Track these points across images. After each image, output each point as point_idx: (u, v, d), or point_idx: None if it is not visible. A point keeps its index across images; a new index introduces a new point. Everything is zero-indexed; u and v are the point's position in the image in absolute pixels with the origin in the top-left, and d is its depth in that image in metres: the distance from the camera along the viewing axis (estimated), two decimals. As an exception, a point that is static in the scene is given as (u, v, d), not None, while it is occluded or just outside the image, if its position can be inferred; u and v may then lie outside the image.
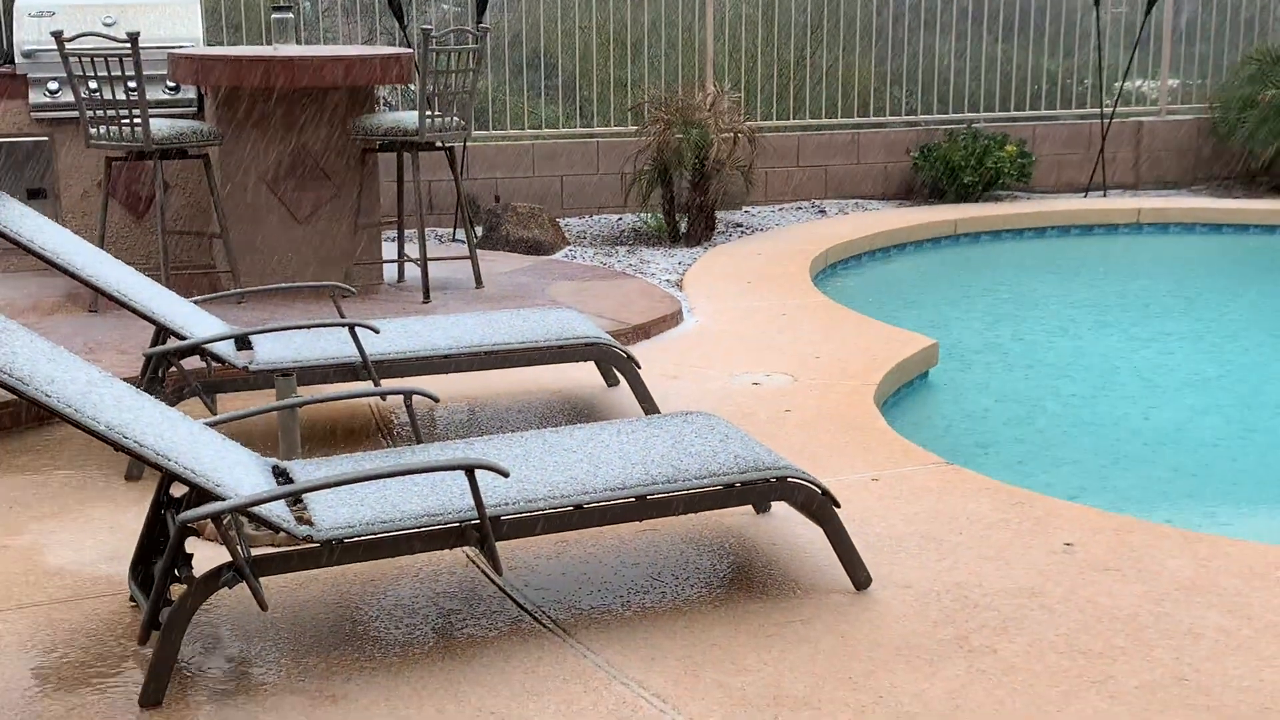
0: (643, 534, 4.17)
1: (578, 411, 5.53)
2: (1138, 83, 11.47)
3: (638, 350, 6.20)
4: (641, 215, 9.75)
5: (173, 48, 7.29)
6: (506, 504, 3.48)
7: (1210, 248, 9.58)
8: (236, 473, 3.49)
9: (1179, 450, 5.79)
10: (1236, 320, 8.14)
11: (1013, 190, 10.58)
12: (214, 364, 4.83)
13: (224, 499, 3.24)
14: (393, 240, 7.81)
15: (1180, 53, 11.65)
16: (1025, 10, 11.76)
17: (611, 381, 5.65)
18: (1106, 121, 10.84)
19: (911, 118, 11.13)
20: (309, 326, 4.78)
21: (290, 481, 3.64)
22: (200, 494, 3.30)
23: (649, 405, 5.15)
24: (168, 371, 4.81)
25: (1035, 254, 9.39)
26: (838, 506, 3.77)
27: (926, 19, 11.37)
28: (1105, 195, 10.66)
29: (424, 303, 6.99)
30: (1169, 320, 8.01)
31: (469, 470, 3.31)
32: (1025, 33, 11.63)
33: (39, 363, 3.38)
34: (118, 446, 3.22)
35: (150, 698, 3.20)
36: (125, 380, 5.22)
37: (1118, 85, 11.04)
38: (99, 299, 6.53)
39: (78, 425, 3.20)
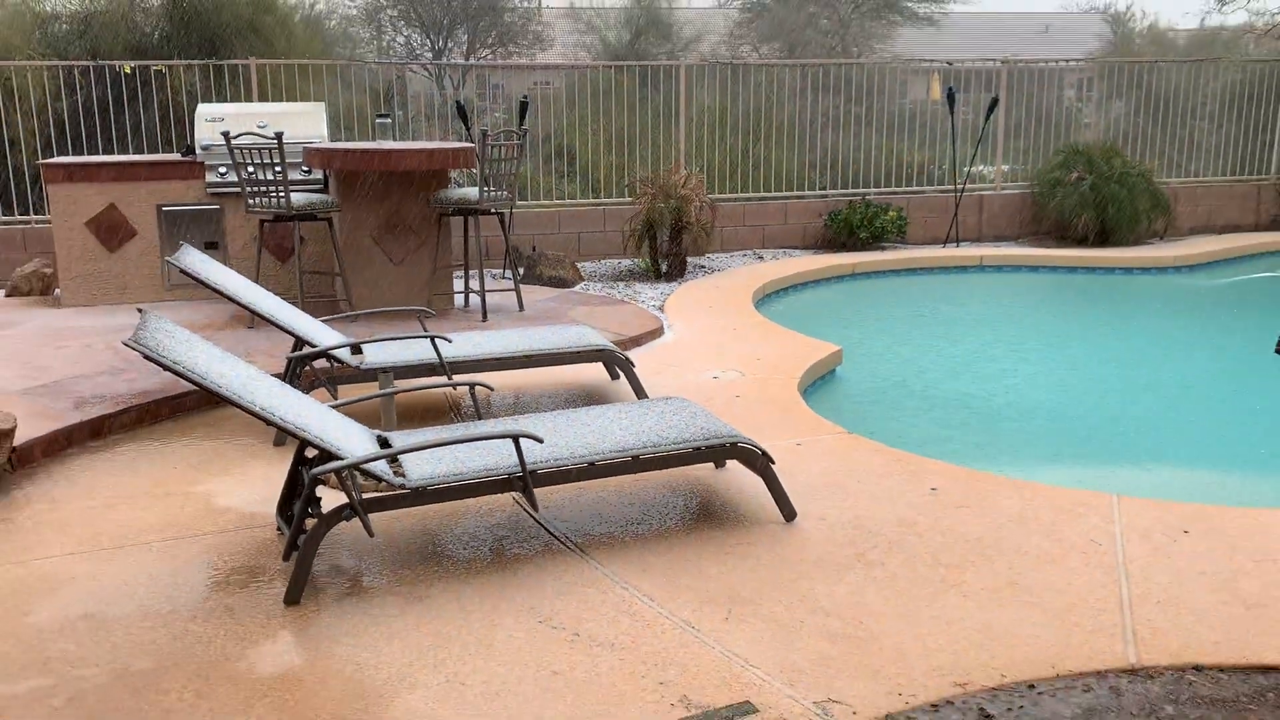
0: (637, 482, 4.16)
1: (591, 397, 5.52)
2: (980, 167, 11.48)
3: (632, 354, 6.21)
4: (635, 259, 9.73)
5: (307, 143, 7.27)
6: (541, 462, 3.47)
7: (1033, 281, 9.59)
8: (351, 440, 3.48)
9: (1012, 421, 5.80)
10: (1052, 328, 8.16)
11: (894, 242, 10.58)
12: (335, 364, 4.82)
13: (342, 459, 3.23)
14: (460, 277, 7.79)
15: (1010, 146, 11.65)
16: (902, 115, 11.76)
17: (614, 376, 5.64)
18: (959, 194, 10.85)
19: (823, 192, 11.12)
20: (402, 338, 4.75)
21: (389, 446, 3.63)
22: (325, 455, 3.29)
23: (641, 393, 5.14)
24: (303, 370, 4.80)
25: (911, 287, 9.39)
26: (772, 463, 3.76)
27: (834, 122, 11.37)
28: (959, 245, 10.65)
29: (483, 321, 6.97)
30: (1005, 329, 8.01)
31: (515, 439, 3.30)
32: (902, 132, 11.63)
33: (213, 364, 3.37)
34: (269, 422, 3.21)
35: (291, 598, 3.19)
36: (274, 375, 5.24)
37: (966, 169, 11.06)
38: (254, 319, 6.53)
39: (241, 407, 3.19)
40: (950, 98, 10.78)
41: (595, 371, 5.89)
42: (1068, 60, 12.75)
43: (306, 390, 4.87)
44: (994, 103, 10.92)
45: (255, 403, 3.23)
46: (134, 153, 9.53)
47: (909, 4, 26.57)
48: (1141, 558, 3.44)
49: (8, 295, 7.88)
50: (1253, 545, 3.52)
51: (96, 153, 9.56)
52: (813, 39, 23.79)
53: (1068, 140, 11.76)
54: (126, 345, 3.10)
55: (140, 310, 3.43)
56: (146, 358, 3.11)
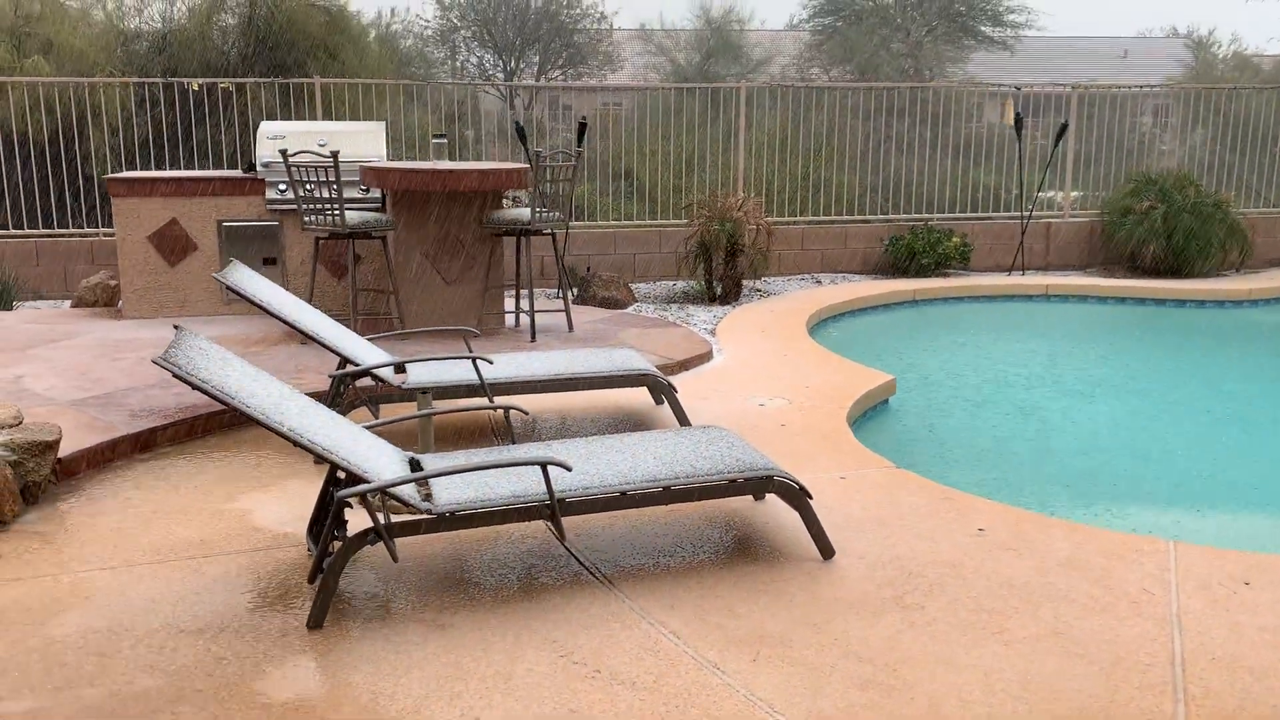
0: (672, 513, 4.07)
1: (633, 421, 5.44)
2: (1049, 193, 11.22)
3: (679, 379, 6.12)
4: (689, 282, 9.65)
5: (365, 162, 7.32)
6: (571, 490, 3.40)
7: (1099, 313, 9.31)
8: (381, 462, 3.44)
9: (1069, 459, 5.59)
10: (1116, 362, 7.89)
11: (956, 269, 10.36)
12: (378, 383, 4.81)
13: (369, 482, 3.19)
14: (512, 297, 7.77)
15: (1080, 172, 11.37)
16: (969, 139, 11.54)
17: (658, 400, 5.56)
18: (1026, 221, 10.60)
19: (884, 216, 10.95)
20: (445, 358, 4.72)
21: (420, 470, 3.58)
22: (353, 478, 3.25)
23: (683, 419, 5.05)
24: (346, 388, 4.79)
25: (972, 315, 9.17)
26: (810, 498, 3.64)
27: (897, 145, 11.20)
28: (1024, 274, 10.39)
29: (530, 341, 6.93)
30: (1067, 362, 7.77)
31: (543, 466, 3.23)
32: (969, 156, 11.42)
33: (245, 382, 3.35)
34: (296, 443, 3.17)
35: (314, 621, 3.15)
36: (320, 391, 5.25)
37: (1034, 195, 10.81)
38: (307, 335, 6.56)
39: (268, 427, 3.17)
40: (1018, 123, 10.55)
41: (640, 395, 5.82)
42: (1140, 86, 12.41)
43: (349, 409, 4.87)
44: (1063, 128, 10.66)
45: (284, 423, 3.20)
46: (207, 168, 9.72)
47: (983, 28, 26.23)
48: (1197, 610, 3.25)
49: (74, 306, 8.04)
50: (1319, 601, 3.32)
51: (171, 167, 9.76)
52: (885, 61, 23.57)
53: (1141, 167, 11.45)
54: (155, 363, 3.09)
55: (176, 327, 3.43)
56: (175, 376, 3.10)
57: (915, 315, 9.12)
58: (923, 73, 23.43)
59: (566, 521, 3.40)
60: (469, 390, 4.83)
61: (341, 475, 3.52)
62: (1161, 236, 9.93)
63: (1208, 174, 11.32)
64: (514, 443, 4.16)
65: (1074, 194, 11.20)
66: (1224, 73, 22.71)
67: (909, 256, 10.13)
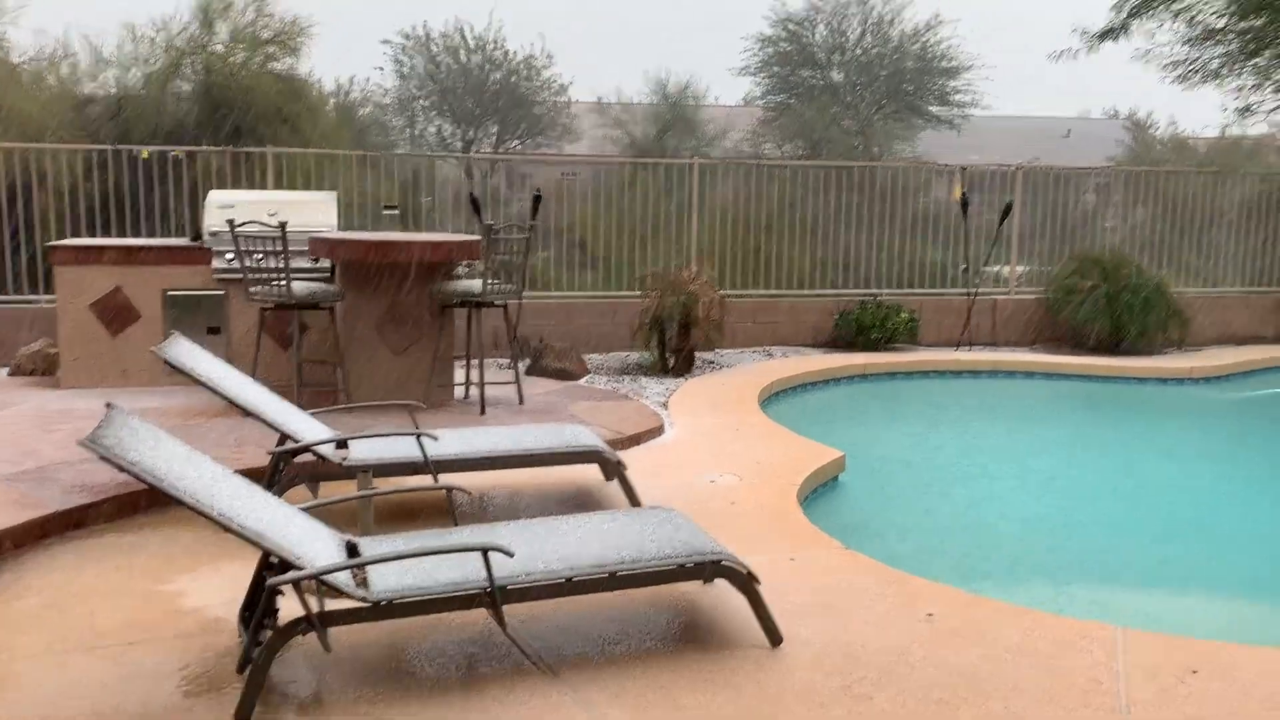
0: (619, 596, 3.96)
1: (582, 499, 5.35)
2: (995, 268, 11.38)
3: (629, 454, 6.04)
4: (643, 353, 9.62)
5: (315, 232, 7.25)
6: (514, 577, 3.30)
7: (1046, 389, 9.40)
8: (316, 546, 3.33)
9: (1017, 539, 5.58)
10: (1064, 440, 7.95)
11: (905, 344, 10.44)
12: (320, 459, 4.69)
13: (302, 568, 3.07)
14: (463, 368, 7.69)
15: (1026, 249, 11.57)
16: (917, 215, 11.72)
17: (609, 477, 5.45)
18: (973, 298, 10.73)
19: (835, 291, 11.03)
20: (388, 435, 4.62)
21: (358, 554, 3.46)
22: (286, 563, 3.14)
23: (632, 497, 4.97)
24: (286, 465, 4.67)
25: (921, 391, 9.23)
26: (758, 583, 3.57)
27: (848, 220, 11.34)
28: (971, 350, 10.50)
29: (480, 415, 6.85)
30: (1015, 439, 7.82)
31: (484, 552, 3.14)
32: (916, 231, 11.58)
33: (175, 464, 3.24)
34: (226, 529, 3.06)
35: (242, 713, 3.01)
36: (260, 467, 5.11)
37: (980, 271, 10.96)
38: (249, 407, 6.41)
39: (199, 512, 3.05)
40: (964, 202, 10.73)
41: (590, 471, 5.71)
42: (1086, 168, 12.71)
43: (288, 486, 4.74)
44: (1008, 207, 10.86)
45: (214, 508, 3.09)
46: (155, 235, 9.58)
47: (930, 107, 26.88)
48: (1146, 700, 3.21)
49: (10, 374, 7.83)
50: (1267, 690, 3.28)
51: (118, 234, 9.61)
52: (835, 138, 24.01)
53: (1085, 245, 11.67)
54: (82, 445, 2.97)
55: (108, 405, 3.32)
56: (103, 458, 2.99)
57: (865, 390, 9.15)
58: (872, 149, 23.92)
59: (510, 607, 3.30)
60: (413, 468, 4.72)
61: (275, 560, 3.40)
62: (1105, 315, 10.09)
63: (1149, 251, 11.56)
64: (456, 524, 4.05)
65: (1020, 268, 11.38)
66: (1162, 154, 23.39)
67: (859, 331, 10.19)
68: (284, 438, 4.76)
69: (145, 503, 4.96)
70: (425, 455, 4.58)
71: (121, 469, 2.96)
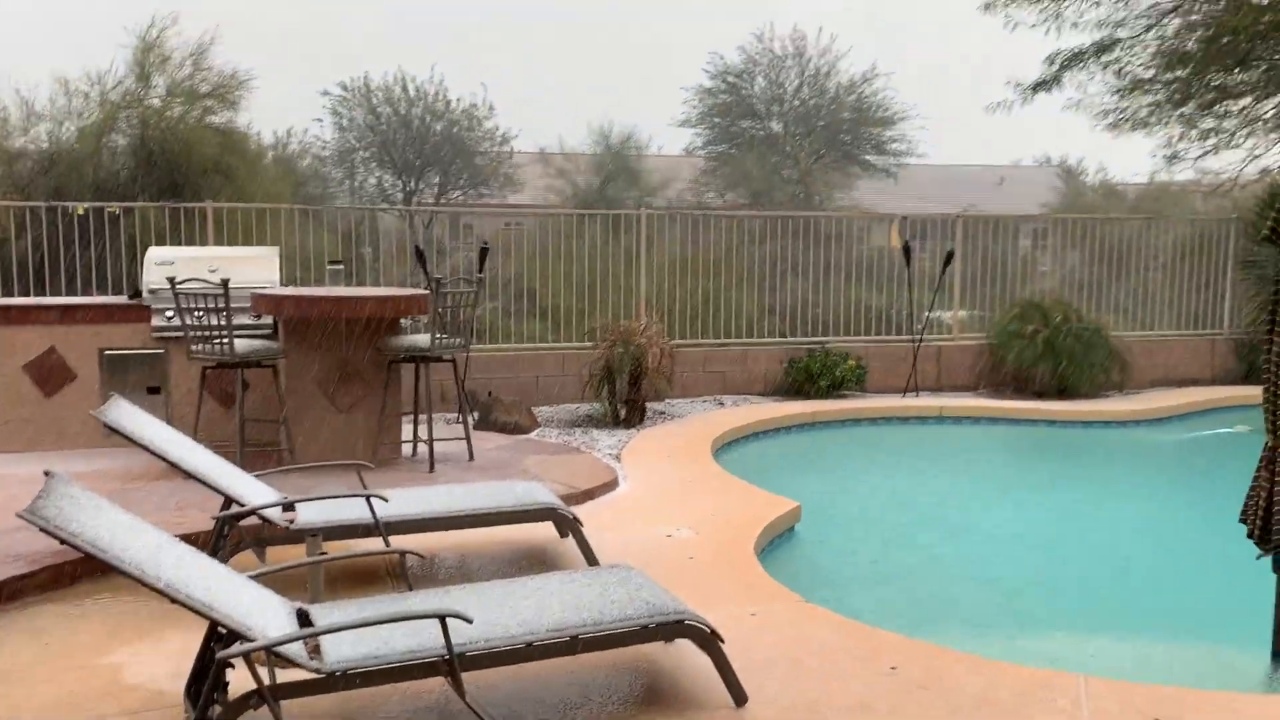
0: (579, 659, 3.89)
1: (537, 557, 5.27)
2: (938, 313, 11.54)
3: (583, 509, 5.98)
4: (593, 405, 9.58)
5: (257, 289, 7.14)
6: (472, 643, 3.23)
7: (993, 434, 9.51)
8: (266, 616, 3.22)
9: (975, 587, 5.60)
10: (1013, 485, 8.04)
11: (853, 391, 10.51)
12: (267, 523, 4.57)
13: (253, 640, 2.97)
14: (410, 423, 7.58)
15: (968, 295, 11.75)
16: (858, 262, 11.87)
17: (563, 534, 5.38)
18: (917, 344, 10.86)
19: (783, 339, 11.11)
20: (336, 497, 4.52)
21: (310, 623, 3.36)
22: (235, 634, 3.03)
23: (589, 555, 4.89)
24: (231, 529, 4.55)
25: (871, 438, 9.28)
26: (722, 642, 3.53)
27: (794, 268, 11.44)
28: (918, 395, 10.61)
29: (429, 472, 6.74)
30: (966, 486, 7.88)
31: (442, 619, 3.06)
32: (859, 278, 11.73)
33: (119, 533, 3.13)
34: (172, 599, 2.96)
35: (189, 797, 2.88)
36: (204, 531, 4.97)
37: (925, 316, 11.10)
38: (191, 468, 6.25)
39: (144, 584, 2.95)
40: (906, 250, 10.89)
41: (544, 528, 5.64)
42: (1022, 215, 12.99)
43: (233, 552, 4.61)
44: (949, 256, 11.04)
45: (160, 578, 2.99)
46: (91, 293, 9.37)
47: (868, 156, 27.41)
48: (1113, 751, 3.21)
49: (-62, 438, 7.56)
50: (1229, 736, 3.30)
51: (53, 292, 9.39)
52: (776, 186, 24.34)
53: (1024, 290, 11.89)
54: (21, 516, 2.86)
55: (47, 473, 3.20)
56: (43, 530, 2.87)
57: (816, 438, 9.18)
58: (812, 198, 24.27)
59: (469, 674, 3.21)
60: (363, 530, 4.61)
61: (222, 629, 3.28)
62: (1047, 359, 10.26)
63: (1085, 295, 11.80)
64: (410, 589, 3.96)
65: (962, 313, 11.55)
66: (1093, 200, 24.06)
67: (807, 378, 10.26)
68: (228, 501, 4.63)
69: (82, 570, 4.79)
70: (376, 517, 4.48)
71: (63, 541, 2.85)
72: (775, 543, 5.85)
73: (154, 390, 7.29)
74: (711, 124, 27.42)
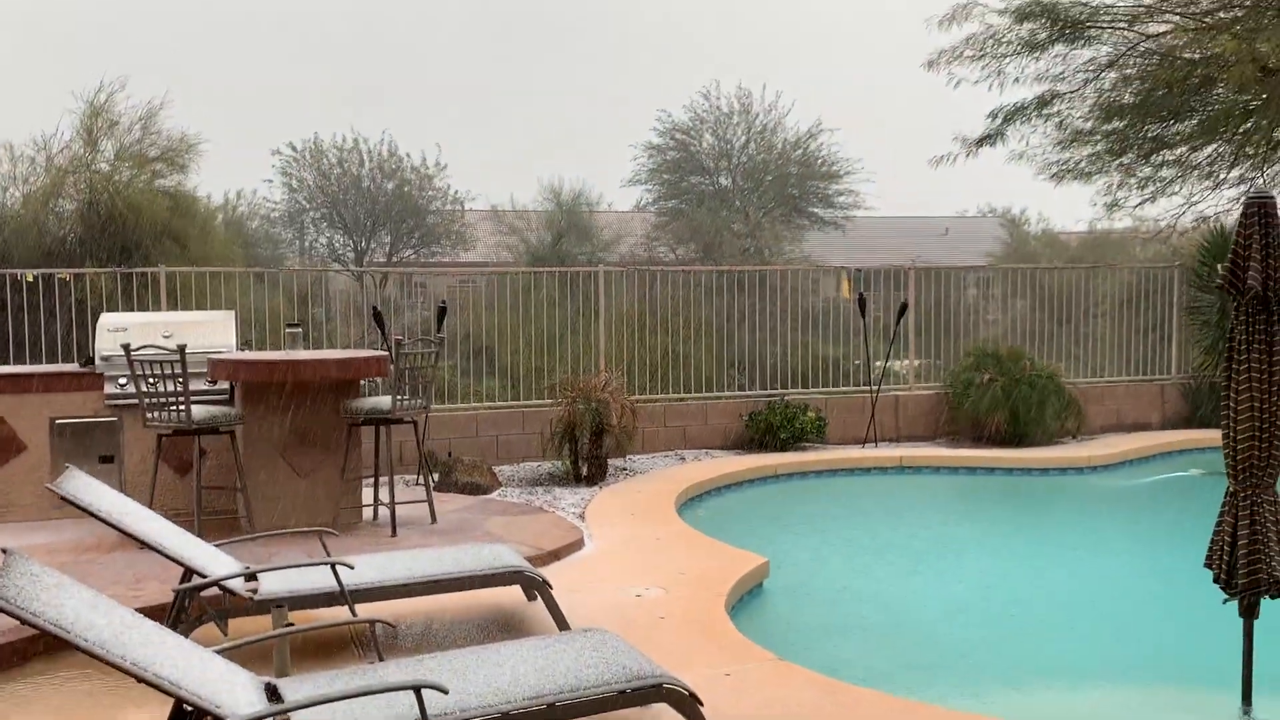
0: (554, 725, 3.81)
1: (506, 621, 5.19)
2: (894, 362, 11.65)
3: (550, 570, 5.91)
4: (555, 462, 9.52)
5: (213, 353, 7.04)
6: (448, 713, 3.16)
7: (953, 483, 9.57)
8: (235, 692, 3.13)
9: (945, 635, 5.59)
10: (976, 534, 8.08)
11: (814, 443, 10.56)
12: (228, 594, 4.46)
13: (222, 717, 2.88)
14: (370, 486, 7.48)
15: (921, 344, 11.90)
16: (815, 314, 11.99)
17: (531, 597, 5.32)
18: (875, 395, 10.95)
19: (742, 392, 11.15)
20: (300, 565, 4.43)
21: (280, 698, 3.27)
22: (202, 712, 2.94)
23: (559, 619, 4.83)
24: (191, 602, 4.43)
25: (834, 490, 9.30)
26: (701, 704, 3.49)
27: (749, 321, 11.53)
28: (877, 446, 10.67)
29: (392, 536, 6.64)
30: (930, 535, 7.90)
31: (416, 690, 2.99)
32: (813, 330, 11.83)
33: (82, 611, 3.04)
34: (140, 679, 2.87)
35: None
36: (163, 604, 4.85)
37: (881, 366, 11.21)
38: (146, 539, 6.10)
39: (108, 664, 2.85)
40: (861, 304, 11.02)
41: (512, 591, 5.57)
42: (970, 266, 13.23)
43: (194, 625, 4.49)
44: (903, 308, 11.18)
45: (126, 657, 2.89)
46: (40, 361, 9.18)
47: (815, 209, 27.82)
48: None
49: (-121, 514, 7.32)
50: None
51: (4, 362, 9.20)
52: (727, 240, 24.59)
53: (976, 338, 12.07)
54: (-21, 598, 2.76)
55: (4, 551, 3.10)
56: (4, 611, 2.78)
57: (779, 491, 9.19)
58: (762, 251, 24.53)
59: (443, 746, 3.14)
60: (328, 598, 4.52)
61: (189, 707, 3.18)
62: (1003, 408, 10.39)
63: (1034, 343, 12.00)
64: (380, 658, 3.87)
65: (917, 361, 11.68)
66: (1036, 248, 24.57)
67: (767, 431, 10.29)
68: (188, 572, 4.52)
69: (40, 648, 4.63)
70: (341, 585, 4.39)
71: (26, 623, 2.76)
72: (745, 599, 5.82)
73: (106, 459, 7.13)
74: (661, 180, 27.68)
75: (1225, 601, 4.26)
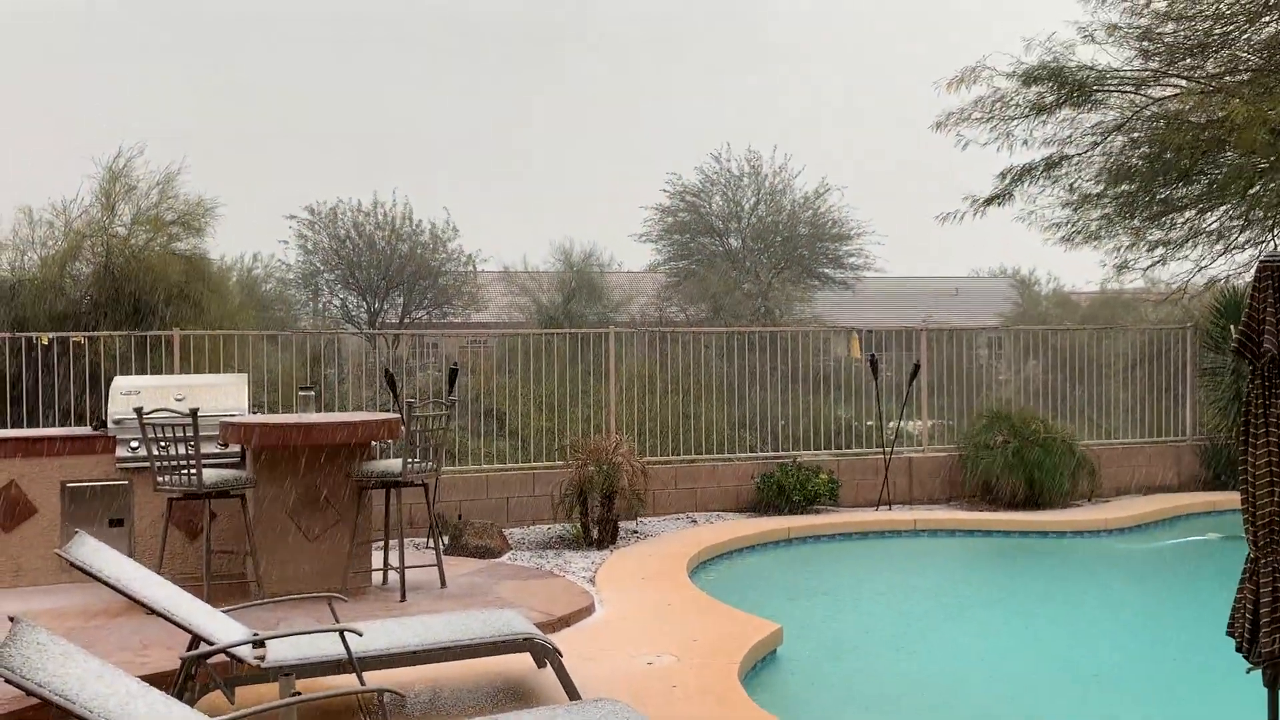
0: (564, 799, 3.74)
1: (514, 690, 5.12)
2: (906, 424, 11.59)
3: (560, 636, 5.84)
4: (565, 525, 9.45)
5: (225, 416, 7.05)
6: (456, 787, 3.09)
7: (968, 547, 9.47)
8: (242, 767, 3.08)
9: (964, 705, 5.49)
10: (995, 599, 7.96)
11: (827, 505, 10.48)
12: (236, 661, 4.41)
13: (228, 794, 2.83)
14: (379, 551, 7.43)
15: (934, 404, 11.85)
16: (826, 374, 11.98)
17: (541, 664, 5.24)
18: (888, 456, 10.89)
19: (753, 454, 11.09)
20: (309, 632, 4.39)
21: (285, 771, 3.22)
22: (209, 789, 2.89)
23: (569, 686, 4.76)
24: (198, 669, 4.38)
25: (848, 553, 9.20)
26: (715, 778, 3.41)
27: (760, 381, 11.53)
28: (891, 509, 10.58)
29: (401, 601, 6.58)
30: (947, 600, 7.80)
31: (427, 764, 2.93)
32: (824, 391, 11.82)
33: (88, 681, 3.01)
34: (144, 753, 2.82)
35: None
36: (169, 671, 4.80)
37: (892, 425, 11.15)
38: (155, 604, 6.06)
39: (112, 736, 2.81)
40: (874, 364, 11.00)
41: (521, 657, 5.50)
42: (983, 327, 13.23)
43: (201, 693, 4.44)
44: (915, 369, 11.16)
45: (131, 730, 2.85)
46: (53, 423, 9.21)
47: (825, 270, 27.94)
48: None
49: (-112, 578, 7.29)
50: None
51: (13, 423, 9.23)
52: (737, 301, 24.68)
53: (987, 398, 12.02)
54: (-15, 668, 2.74)
55: (12, 619, 3.08)
56: (9, 681, 2.75)
57: (792, 555, 9.10)
58: (773, 311, 24.60)
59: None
60: (336, 666, 4.47)
61: (194, 782, 3.14)
62: (1017, 470, 10.31)
63: (1046, 404, 11.94)
64: (390, 728, 3.82)
65: (930, 422, 11.62)
66: (1047, 309, 24.58)
67: (780, 493, 10.21)
68: (195, 639, 4.47)
69: (49, 718, 4.57)
70: (350, 653, 4.34)
71: (30, 693, 2.73)
72: (758, 667, 5.73)
73: (117, 523, 7.11)
74: (671, 240, 27.88)
75: (1249, 671, 4.17)
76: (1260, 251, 12.10)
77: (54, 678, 2.86)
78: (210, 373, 9.25)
